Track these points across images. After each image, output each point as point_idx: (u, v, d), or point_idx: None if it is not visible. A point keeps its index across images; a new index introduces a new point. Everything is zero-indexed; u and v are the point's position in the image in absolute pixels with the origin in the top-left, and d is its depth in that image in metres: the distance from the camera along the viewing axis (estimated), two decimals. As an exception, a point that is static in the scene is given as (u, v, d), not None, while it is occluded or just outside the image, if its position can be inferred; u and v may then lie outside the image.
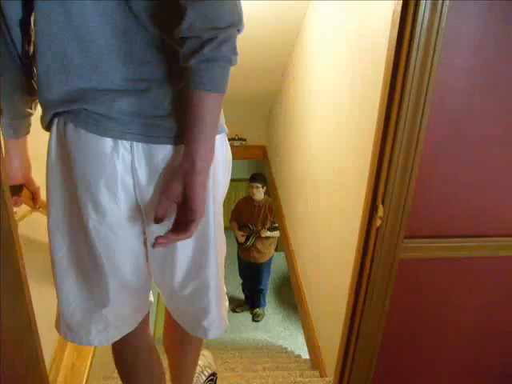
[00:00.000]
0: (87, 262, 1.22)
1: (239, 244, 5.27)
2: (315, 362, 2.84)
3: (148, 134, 1.08)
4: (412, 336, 2.11)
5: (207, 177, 1.06)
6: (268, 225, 5.09)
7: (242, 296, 6.12)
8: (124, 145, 1.08)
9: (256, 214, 5.06)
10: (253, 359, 3.75)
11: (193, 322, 1.36)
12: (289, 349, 4.79)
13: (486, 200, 1.79)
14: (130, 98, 1.06)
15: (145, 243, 1.24)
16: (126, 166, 1.10)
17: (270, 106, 4.88)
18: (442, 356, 2.17)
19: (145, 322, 1.41)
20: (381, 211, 1.77)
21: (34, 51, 1.14)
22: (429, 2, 1.41)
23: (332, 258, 2.52)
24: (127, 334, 1.35)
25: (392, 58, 1.59)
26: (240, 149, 5.26)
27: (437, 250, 1.87)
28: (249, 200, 5.12)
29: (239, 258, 5.56)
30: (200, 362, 1.83)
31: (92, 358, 2.19)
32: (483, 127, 1.65)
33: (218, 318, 1.35)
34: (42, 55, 1.06)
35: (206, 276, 1.27)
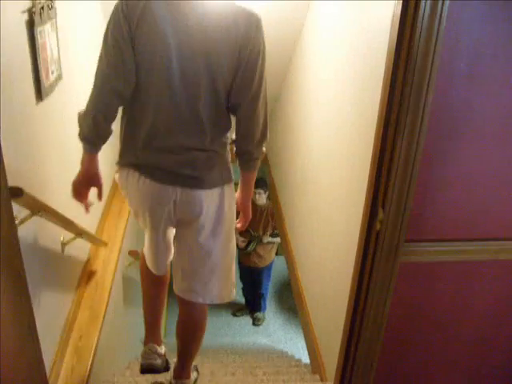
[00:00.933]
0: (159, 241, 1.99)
1: (239, 249, 5.26)
2: (316, 367, 2.84)
3: (186, 184, 1.77)
4: (412, 340, 2.10)
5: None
6: (270, 230, 5.08)
7: (242, 300, 6.11)
8: (170, 188, 1.77)
9: (257, 219, 5.05)
10: (253, 363, 3.74)
11: (197, 291, 2.00)
12: (289, 353, 4.77)
13: (486, 203, 1.79)
14: (179, 159, 1.74)
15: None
16: (170, 201, 1.79)
17: (270, 110, 4.89)
18: (442, 360, 2.17)
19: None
20: (381, 215, 1.77)
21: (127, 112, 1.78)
22: (428, 5, 1.42)
23: (332, 262, 2.52)
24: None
25: (392, 60, 1.59)
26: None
27: (437, 253, 1.87)
28: (251, 204, 5.10)
29: (240, 263, 5.55)
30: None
31: (92, 361, 2.19)
32: (483, 131, 1.66)
33: (218, 295, 2.06)
34: (136, 117, 1.73)
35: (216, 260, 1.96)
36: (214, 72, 1.64)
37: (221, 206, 1.85)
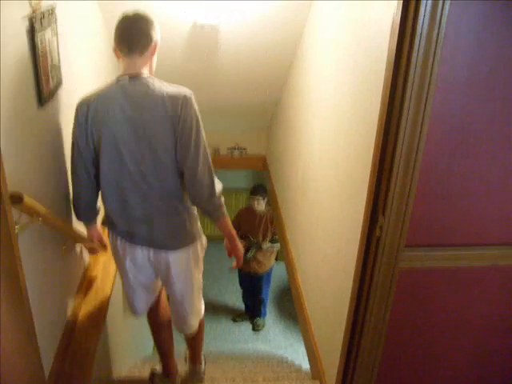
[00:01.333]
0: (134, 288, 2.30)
1: (239, 256, 5.26)
2: (316, 373, 2.83)
3: (154, 246, 2.13)
4: (413, 345, 2.10)
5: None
6: (269, 236, 5.08)
7: (242, 306, 6.10)
8: (143, 248, 2.14)
9: (257, 225, 5.05)
10: (253, 369, 3.73)
11: (180, 325, 2.46)
12: (289, 359, 4.75)
13: (485, 209, 1.79)
14: (145, 226, 2.08)
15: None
16: (145, 257, 2.16)
17: (270, 116, 4.89)
18: (442, 366, 2.16)
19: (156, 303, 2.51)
20: (381, 221, 1.77)
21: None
22: (427, 13, 1.43)
23: (332, 268, 2.52)
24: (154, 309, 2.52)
25: (391, 69, 1.59)
26: (240, 159, 5.24)
27: (437, 259, 1.87)
28: (250, 210, 5.11)
29: (239, 269, 5.54)
30: None
31: (91, 368, 2.18)
32: (482, 138, 1.66)
33: (192, 326, 2.45)
34: (106, 196, 2.07)
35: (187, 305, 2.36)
36: (157, 149, 1.93)
37: (188, 262, 2.19)
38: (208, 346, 5.48)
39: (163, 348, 2.66)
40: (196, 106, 1.93)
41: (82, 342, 2.26)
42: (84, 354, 2.21)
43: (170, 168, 1.97)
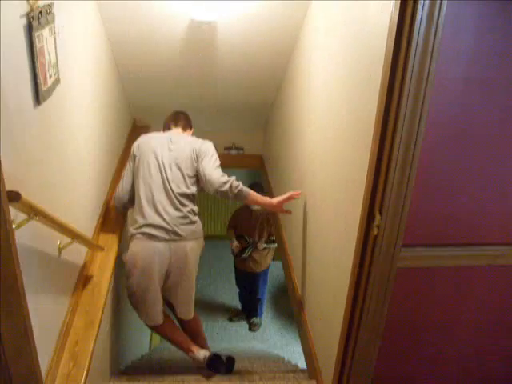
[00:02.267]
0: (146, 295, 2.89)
1: (235, 255, 5.26)
2: (312, 372, 2.83)
3: (173, 239, 2.77)
4: (410, 345, 2.11)
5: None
6: (265, 236, 5.08)
7: (238, 305, 6.10)
8: (163, 244, 2.78)
9: (253, 224, 5.05)
10: (249, 369, 3.73)
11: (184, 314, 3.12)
12: (286, 358, 4.75)
13: (483, 209, 1.79)
14: (170, 222, 2.78)
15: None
16: (163, 256, 2.80)
17: (267, 115, 4.89)
18: (439, 365, 2.17)
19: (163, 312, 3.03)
20: (378, 220, 1.77)
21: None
22: (425, 13, 1.43)
23: (329, 267, 2.52)
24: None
25: (389, 68, 1.60)
26: (237, 158, 5.24)
27: (434, 258, 1.87)
28: (246, 209, 5.12)
29: (236, 268, 5.55)
30: None
31: (88, 367, 2.18)
32: (479, 138, 1.67)
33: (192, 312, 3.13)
34: (139, 201, 2.87)
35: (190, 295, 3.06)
36: (181, 167, 2.87)
37: (197, 252, 2.94)
38: (204, 345, 5.49)
39: (183, 338, 3.06)
40: (213, 146, 3.00)
41: (79, 340, 2.26)
42: (81, 352, 2.21)
43: (188, 181, 2.87)
